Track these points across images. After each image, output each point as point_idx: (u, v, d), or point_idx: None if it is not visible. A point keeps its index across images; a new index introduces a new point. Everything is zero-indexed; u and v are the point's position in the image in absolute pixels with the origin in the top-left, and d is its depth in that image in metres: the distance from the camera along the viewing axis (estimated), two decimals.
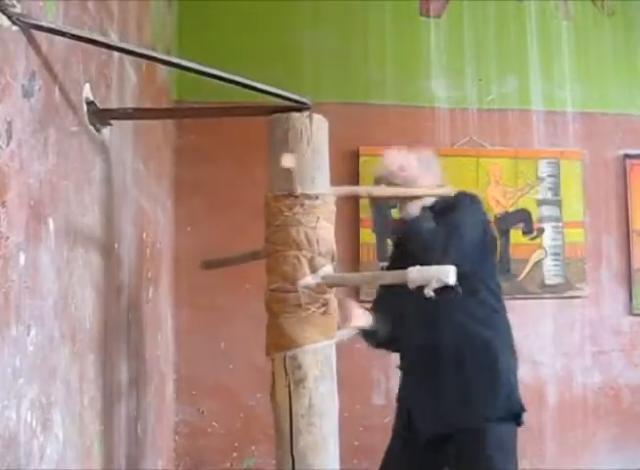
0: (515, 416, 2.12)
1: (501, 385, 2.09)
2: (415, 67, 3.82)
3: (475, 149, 3.77)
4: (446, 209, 2.11)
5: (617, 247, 3.89)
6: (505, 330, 2.20)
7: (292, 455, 1.53)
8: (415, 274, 1.51)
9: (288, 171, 1.51)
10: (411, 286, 1.51)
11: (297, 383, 1.54)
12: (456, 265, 1.48)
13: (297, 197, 1.57)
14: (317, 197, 1.60)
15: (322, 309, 1.59)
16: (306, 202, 1.58)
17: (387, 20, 3.80)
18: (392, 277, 1.74)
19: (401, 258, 2.14)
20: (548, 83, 3.93)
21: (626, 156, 3.95)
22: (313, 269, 1.59)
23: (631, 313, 3.87)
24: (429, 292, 1.47)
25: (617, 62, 4.03)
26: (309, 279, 1.57)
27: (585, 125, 3.93)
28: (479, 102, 3.83)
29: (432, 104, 3.80)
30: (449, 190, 2.14)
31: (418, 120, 3.75)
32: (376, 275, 1.65)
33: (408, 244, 2.15)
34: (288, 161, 1.48)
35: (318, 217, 1.59)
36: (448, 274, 1.48)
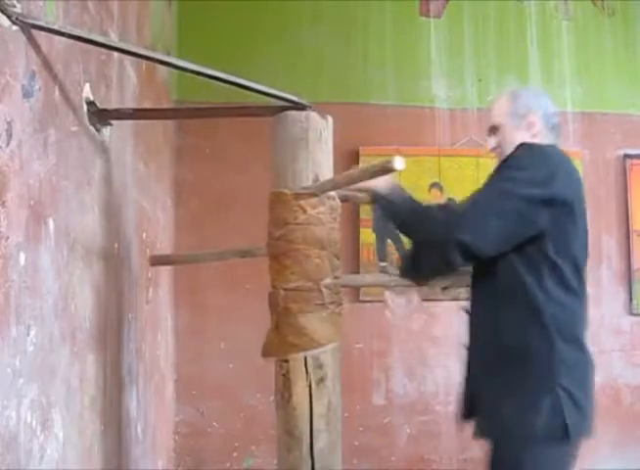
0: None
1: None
2: (415, 67, 3.82)
3: (475, 149, 3.77)
4: None
5: (617, 247, 3.89)
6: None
7: (311, 456, 1.51)
8: None
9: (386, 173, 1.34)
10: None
11: (318, 383, 1.53)
12: None
13: (318, 196, 1.56)
14: (335, 198, 1.61)
15: (338, 309, 1.59)
16: (327, 202, 1.59)
17: (387, 20, 3.80)
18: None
19: None
20: (548, 83, 3.93)
21: (626, 156, 3.95)
22: (333, 269, 1.58)
23: (631, 313, 3.87)
24: None
25: (617, 62, 4.02)
26: (330, 279, 1.57)
27: (585, 125, 3.93)
28: (479, 102, 3.83)
29: (432, 104, 3.80)
30: None
31: (418, 120, 3.75)
32: (387, 278, 1.68)
33: None
34: (400, 163, 1.27)
35: (335, 218, 1.61)
36: None
